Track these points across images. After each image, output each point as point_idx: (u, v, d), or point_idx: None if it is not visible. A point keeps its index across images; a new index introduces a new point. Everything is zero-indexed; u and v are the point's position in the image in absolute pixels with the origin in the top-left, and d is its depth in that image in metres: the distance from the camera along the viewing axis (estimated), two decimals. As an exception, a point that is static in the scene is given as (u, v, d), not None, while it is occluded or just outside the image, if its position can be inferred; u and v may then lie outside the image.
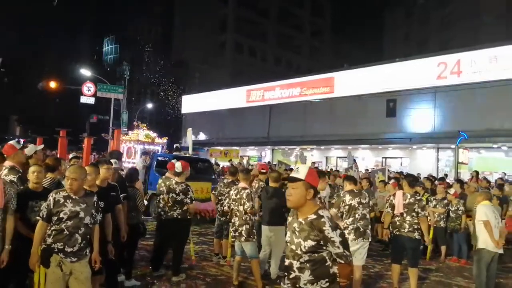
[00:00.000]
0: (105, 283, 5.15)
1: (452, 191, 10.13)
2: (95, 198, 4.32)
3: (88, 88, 26.43)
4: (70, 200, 4.08)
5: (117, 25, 69.02)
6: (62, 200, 4.06)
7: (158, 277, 6.69)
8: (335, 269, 3.02)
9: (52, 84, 26.48)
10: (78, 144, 23.09)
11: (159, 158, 13.06)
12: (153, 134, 16.27)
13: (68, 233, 4.02)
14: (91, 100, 27.36)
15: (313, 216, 2.99)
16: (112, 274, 5.29)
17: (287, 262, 3.12)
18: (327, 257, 3.00)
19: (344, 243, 2.96)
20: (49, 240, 4.03)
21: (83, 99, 27.16)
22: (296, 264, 3.03)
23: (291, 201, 3.11)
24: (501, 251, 6.43)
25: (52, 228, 4.04)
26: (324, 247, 2.96)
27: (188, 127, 17.13)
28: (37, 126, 43.34)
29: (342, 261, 2.97)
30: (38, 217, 4.16)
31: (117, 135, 14.95)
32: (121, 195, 5.68)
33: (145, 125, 16.34)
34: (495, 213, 6.48)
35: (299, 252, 3.02)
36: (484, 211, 6.41)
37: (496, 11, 39.02)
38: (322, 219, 2.96)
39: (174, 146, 16.05)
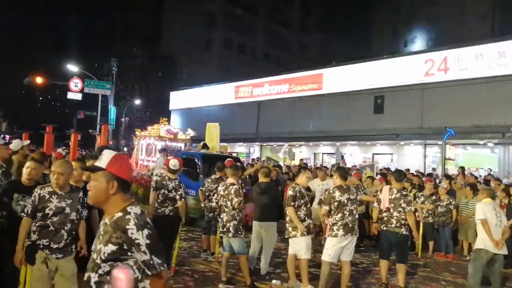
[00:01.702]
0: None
1: (444, 185, 10.24)
2: (81, 194, 4.26)
3: (75, 84, 26.21)
4: (56, 196, 4.02)
5: (104, 20, 68.45)
6: (47, 196, 4.00)
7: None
8: (146, 284, 2.37)
9: (38, 80, 26.17)
10: (65, 140, 22.85)
11: (184, 157, 11.82)
12: (175, 130, 14.80)
13: (53, 229, 3.96)
14: (78, 96, 27.15)
15: (119, 214, 2.37)
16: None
17: (85, 276, 2.42)
18: (134, 267, 2.34)
19: (153, 248, 2.33)
20: (34, 237, 3.97)
21: (70, 95, 26.94)
22: (94, 278, 2.35)
23: (89, 197, 2.53)
24: (504, 251, 6.08)
25: (37, 224, 3.98)
26: (129, 253, 2.32)
27: (176, 123, 16.79)
28: (23, 122, 42.81)
29: (150, 272, 2.33)
30: (22, 214, 4.10)
31: (104, 131, 14.80)
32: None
33: (165, 120, 14.70)
34: (496, 211, 6.16)
35: (98, 261, 2.37)
36: (483, 210, 6.12)
37: (481, 9, 39.47)
38: (128, 216, 2.35)
39: (202, 143, 14.05)
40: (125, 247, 2.31)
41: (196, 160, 11.31)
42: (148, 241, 2.31)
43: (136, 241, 2.30)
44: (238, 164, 13.00)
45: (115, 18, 68.15)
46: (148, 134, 13.94)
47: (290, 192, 6.35)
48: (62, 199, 4.04)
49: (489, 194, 6.44)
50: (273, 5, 58.04)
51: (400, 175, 7.06)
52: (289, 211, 6.31)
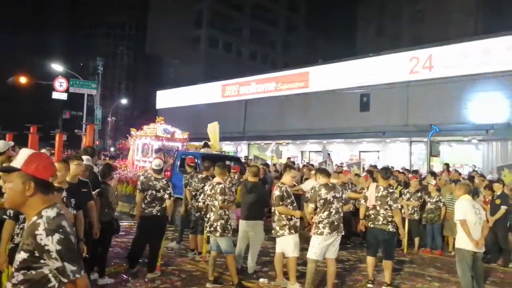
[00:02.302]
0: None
1: (433, 182, 10.35)
2: (64, 194, 4.22)
3: (60, 84, 25.90)
4: None
5: (91, 19, 67.73)
6: None
7: (132, 274, 6.62)
8: None
9: (23, 79, 25.80)
10: (50, 141, 22.59)
11: (183, 157, 11.53)
12: (172, 129, 14.23)
13: None
14: (64, 96, 26.84)
15: (34, 219, 2.18)
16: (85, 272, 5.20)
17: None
18: (50, 275, 2.15)
19: (66, 254, 2.10)
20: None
21: (55, 95, 26.62)
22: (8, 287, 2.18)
23: (5, 200, 2.30)
24: (482, 249, 6.13)
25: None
26: (41, 261, 2.13)
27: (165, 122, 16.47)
28: (7, 122, 42.22)
29: (66, 280, 2.11)
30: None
31: (90, 131, 14.65)
32: (94, 192, 5.60)
33: (162, 119, 14.19)
34: (475, 208, 6.08)
35: (13, 270, 2.21)
36: (462, 209, 6.08)
37: (466, 7, 39.89)
38: (38, 220, 2.14)
39: (203, 142, 13.57)
40: (36, 254, 2.12)
41: (196, 160, 11.05)
42: (59, 247, 2.09)
43: (46, 247, 2.09)
44: (228, 164, 12.55)
45: (101, 17, 67.52)
46: (144, 133, 13.53)
47: (277, 193, 6.36)
48: None
49: (466, 189, 6.36)
50: (259, 3, 58.01)
51: (387, 173, 7.11)
52: (279, 210, 6.32)
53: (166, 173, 11.29)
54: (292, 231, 6.31)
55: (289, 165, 7.81)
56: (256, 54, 59.12)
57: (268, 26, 60.00)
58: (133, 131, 13.77)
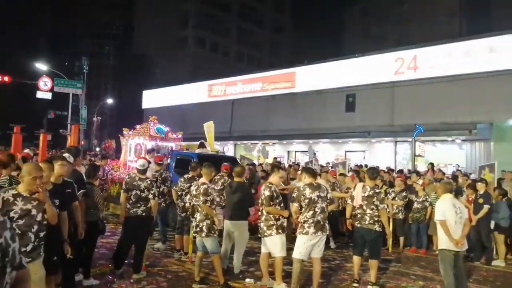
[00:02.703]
0: (61, 283, 5.01)
1: (420, 181, 10.45)
2: (47, 194, 4.18)
3: (45, 83, 25.64)
4: (21, 198, 3.92)
5: (76, 18, 66.97)
6: (11, 199, 3.89)
7: (118, 276, 6.58)
8: None
9: (6, 79, 25.46)
10: (34, 141, 22.32)
11: (178, 157, 11.20)
12: (165, 128, 13.70)
13: (19, 232, 3.85)
14: (48, 95, 26.58)
15: None
16: (69, 274, 5.16)
17: None
18: None
19: None
20: None
21: (39, 94, 26.33)
22: None
23: None
24: (464, 248, 6.12)
25: None
26: None
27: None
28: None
29: None
30: None
31: (75, 130, 14.52)
32: (79, 192, 5.55)
33: (155, 118, 13.58)
34: (456, 208, 6.03)
35: None
36: (442, 209, 6.09)
37: (449, 9, 40.42)
38: None
39: (199, 142, 13.33)
40: None
41: (192, 161, 10.63)
42: None
43: None
44: (233, 164, 12.10)
45: (87, 16, 66.82)
46: (137, 133, 13.00)
47: (267, 193, 6.31)
48: (28, 201, 3.94)
49: (447, 188, 6.33)
50: (245, 4, 58.04)
51: (374, 173, 7.16)
52: (268, 211, 6.29)
53: None
54: (280, 231, 6.30)
55: (277, 166, 7.77)
56: (243, 54, 59.14)
57: (254, 27, 60.07)
58: (125, 131, 13.20)
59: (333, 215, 9.83)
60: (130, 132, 13.09)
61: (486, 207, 8.85)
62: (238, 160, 12.52)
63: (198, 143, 13.19)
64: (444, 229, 5.99)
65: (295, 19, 63.77)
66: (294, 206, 6.20)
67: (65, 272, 4.96)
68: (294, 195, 6.47)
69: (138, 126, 13.28)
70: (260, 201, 6.45)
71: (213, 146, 13.83)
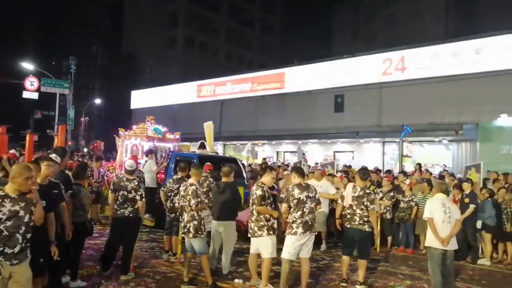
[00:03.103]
0: (48, 285, 4.97)
1: (407, 181, 10.54)
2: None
3: (31, 83, 25.38)
4: (9, 200, 3.88)
5: (64, 17, 66.36)
6: None
7: (105, 277, 6.53)
8: None
9: (-9, 78, 25.15)
10: (20, 141, 22.07)
11: (178, 158, 10.70)
12: (163, 129, 13.14)
13: (7, 233, 3.82)
14: (35, 95, 26.30)
15: None
16: (56, 276, 5.12)
17: None
18: None
19: None
20: None
21: (26, 94, 26.04)
22: None
23: None
24: (452, 247, 6.12)
25: None
26: None
27: (138, 122, 15.87)
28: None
29: None
30: None
31: (62, 131, 14.39)
32: (66, 193, 5.52)
33: (152, 118, 13.05)
34: (445, 207, 6.10)
35: None
36: (430, 208, 6.19)
37: (436, 11, 40.84)
38: None
39: (199, 142, 12.98)
40: None
41: (193, 162, 10.10)
42: None
43: None
44: (234, 164, 11.13)
45: (74, 15, 66.22)
46: (134, 133, 12.53)
47: (259, 192, 6.28)
48: (16, 202, 3.91)
49: (440, 188, 6.42)
50: (235, 4, 58.03)
51: (365, 173, 7.20)
52: (260, 210, 6.26)
53: (159, 175, 10.98)
54: (271, 232, 6.29)
55: (270, 166, 7.72)
56: (232, 54, 59.10)
57: (244, 27, 60.09)
58: (121, 131, 12.77)
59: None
60: (126, 133, 12.63)
61: (472, 206, 8.97)
62: (239, 162, 12.05)
63: (189, 144, 12.98)
64: (431, 227, 6.10)
65: (285, 19, 63.99)
66: (283, 207, 6.20)
67: (52, 274, 4.92)
68: (283, 195, 6.47)
69: (134, 126, 12.86)
70: (251, 200, 6.43)
71: (212, 147, 13.54)
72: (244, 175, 11.58)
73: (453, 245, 6.16)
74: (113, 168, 12.45)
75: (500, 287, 7.40)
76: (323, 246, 9.62)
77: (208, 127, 13.92)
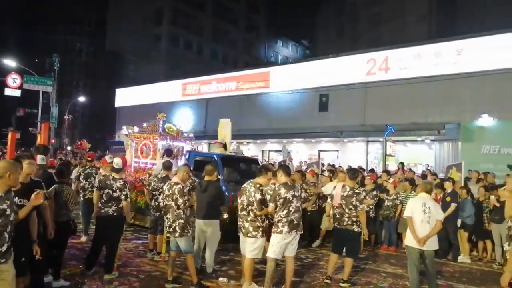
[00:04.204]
0: (30, 285, 4.93)
1: (391, 180, 10.66)
2: (13, 194, 4.12)
3: (13, 80, 25.05)
4: None
5: (47, 14, 65.36)
6: None
7: (89, 276, 6.49)
8: None
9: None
10: (2, 139, 21.76)
11: (198, 158, 10.03)
12: (176, 127, 12.15)
13: None
14: (17, 93, 25.95)
15: None
16: (38, 275, 5.07)
17: None
18: None
19: None
20: None
21: (8, 91, 25.67)
22: None
23: None
24: (430, 247, 6.11)
25: None
26: None
27: (123, 121, 15.56)
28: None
29: None
30: None
31: (45, 129, 14.21)
32: (49, 190, 5.48)
33: (164, 115, 12.04)
34: (425, 207, 6.11)
35: None
36: (410, 207, 6.26)
37: (419, 12, 41.30)
38: None
39: (220, 141, 11.87)
40: None
41: (214, 163, 9.19)
42: None
43: None
44: (254, 164, 10.99)
45: (57, 11, 65.27)
46: (144, 131, 11.72)
47: (258, 196, 6.17)
48: (3, 200, 3.87)
49: (425, 188, 6.46)
50: (220, 3, 57.91)
51: (354, 173, 7.27)
52: (261, 214, 6.20)
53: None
54: (264, 233, 6.27)
55: (266, 167, 7.50)
56: (217, 53, 58.95)
57: (229, 25, 59.98)
58: (130, 129, 11.97)
59: (311, 214, 9.97)
60: (136, 131, 11.87)
61: (453, 205, 9.12)
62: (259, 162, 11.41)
63: (216, 142, 11.69)
64: (409, 226, 6.18)
65: (270, 18, 64.05)
66: (270, 206, 6.13)
67: (34, 273, 4.87)
68: (268, 196, 6.43)
69: (144, 124, 11.99)
70: (246, 201, 6.27)
71: (229, 146, 12.72)
72: None
73: (431, 245, 6.16)
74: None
75: (480, 284, 7.54)
76: (317, 243, 9.71)
77: (226, 125, 12.94)
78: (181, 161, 10.59)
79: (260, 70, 27.11)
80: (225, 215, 8.26)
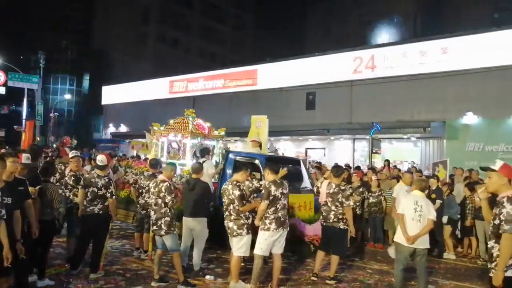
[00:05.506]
0: (14, 285, 4.87)
1: (374, 177, 10.73)
2: None
3: (-3, 77, 24.71)
4: None
5: (33, 10, 64.46)
6: None
7: (74, 276, 6.43)
8: None
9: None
10: (-14, 137, 21.47)
11: (237, 158, 9.06)
12: (206, 124, 11.14)
13: None
14: (1, 90, 25.62)
15: None
16: (22, 275, 5.01)
17: None
18: None
19: None
20: None
21: (-8, 88, 25.34)
22: None
23: None
24: (420, 245, 6.02)
25: None
26: None
27: (110, 118, 15.41)
28: None
29: None
30: None
31: (30, 127, 14.09)
32: (36, 187, 5.42)
33: (192, 111, 11.02)
34: (416, 205, 6.03)
35: None
36: (403, 204, 6.23)
37: (405, 11, 41.66)
38: None
39: (255, 140, 10.33)
40: None
41: (258, 165, 8.64)
42: None
43: None
44: (298, 166, 9.98)
45: (43, 8, 64.37)
46: (172, 129, 10.65)
47: (237, 192, 6.13)
48: None
49: (420, 186, 6.37)
50: (207, 0, 57.70)
51: (338, 170, 7.27)
52: (245, 209, 6.18)
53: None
54: (250, 230, 6.24)
55: (245, 164, 7.39)
56: (205, 51, 58.73)
57: (216, 24, 59.80)
58: (155, 126, 10.91)
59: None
60: (162, 128, 10.86)
61: (438, 202, 9.20)
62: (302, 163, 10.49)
63: (252, 140, 10.45)
64: (400, 223, 6.14)
65: (257, 17, 63.93)
66: (264, 203, 6.06)
67: (18, 273, 4.82)
68: (247, 192, 6.40)
69: (171, 121, 10.99)
70: (227, 201, 6.24)
71: (266, 146, 11.72)
72: (308, 180, 9.87)
73: (422, 244, 6.07)
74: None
75: (465, 280, 7.63)
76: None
77: (262, 122, 11.89)
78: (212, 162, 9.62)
79: (247, 67, 27.14)
80: None
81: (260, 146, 10.38)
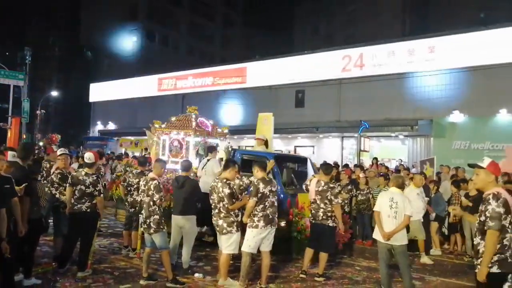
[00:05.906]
0: (0, 284, 4.82)
1: (362, 175, 10.81)
2: None
3: (-18, 74, 24.38)
4: None
5: (19, 6, 63.64)
6: None
7: (61, 274, 6.39)
8: None
9: None
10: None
11: (245, 157, 8.95)
12: (209, 121, 10.80)
13: None
14: (-14, 87, 25.30)
15: None
16: (8, 274, 4.96)
17: None
18: None
19: None
20: None
21: (-24, 85, 25.00)
22: None
23: None
24: (398, 242, 6.05)
25: None
26: None
27: (98, 116, 15.22)
28: None
29: None
30: None
31: (15, 124, 13.92)
32: (22, 186, 5.37)
33: (195, 108, 10.72)
34: (392, 202, 6.08)
35: None
36: (379, 201, 6.28)
37: (393, 10, 41.92)
38: None
39: (261, 138, 10.28)
40: None
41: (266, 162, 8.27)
42: None
43: None
44: (305, 164, 9.79)
45: (30, 4, 63.59)
46: (174, 127, 10.23)
47: (226, 191, 6.11)
48: None
49: (397, 182, 6.40)
50: (197, -3, 57.54)
51: (328, 168, 7.33)
52: (234, 208, 6.17)
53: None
54: (239, 228, 6.24)
55: (233, 161, 7.23)
56: (194, 48, 58.48)
57: (205, 21, 59.58)
58: (156, 124, 10.51)
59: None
60: (163, 126, 10.47)
61: (425, 199, 9.31)
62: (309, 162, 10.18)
63: (257, 138, 10.30)
64: (376, 220, 6.21)
65: (246, 14, 63.85)
66: (252, 200, 6.06)
67: (4, 272, 4.77)
68: (237, 190, 6.39)
69: (173, 118, 10.52)
70: (216, 199, 6.22)
71: (272, 143, 11.43)
72: None
73: (400, 240, 6.10)
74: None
75: (451, 276, 7.72)
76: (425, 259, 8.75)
77: (268, 119, 11.70)
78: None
79: (236, 65, 27.06)
80: (283, 224, 7.66)
81: (266, 144, 10.22)
